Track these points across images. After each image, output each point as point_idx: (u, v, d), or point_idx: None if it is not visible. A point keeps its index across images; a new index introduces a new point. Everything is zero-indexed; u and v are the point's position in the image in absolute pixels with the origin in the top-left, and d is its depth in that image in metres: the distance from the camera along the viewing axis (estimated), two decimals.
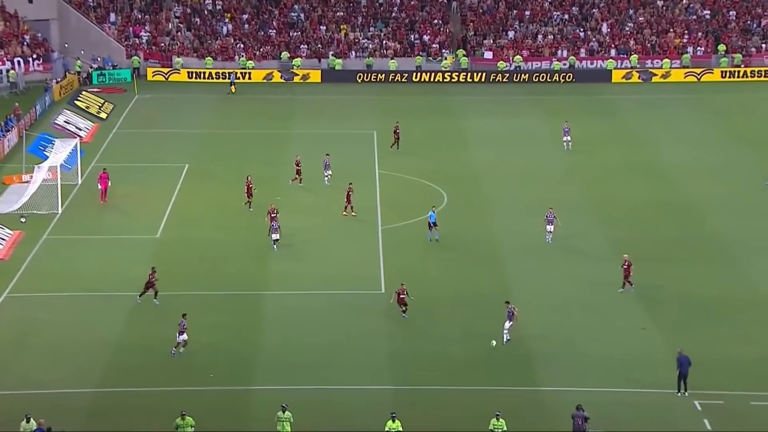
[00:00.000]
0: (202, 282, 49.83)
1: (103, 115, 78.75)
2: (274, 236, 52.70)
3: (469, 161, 68.28)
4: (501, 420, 36.36)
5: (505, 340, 43.18)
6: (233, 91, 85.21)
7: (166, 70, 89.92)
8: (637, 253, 52.39)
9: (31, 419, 36.00)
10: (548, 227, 53.78)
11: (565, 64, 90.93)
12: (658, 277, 50.48)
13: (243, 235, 55.47)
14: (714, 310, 47.27)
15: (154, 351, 43.28)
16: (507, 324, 43.28)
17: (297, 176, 62.08)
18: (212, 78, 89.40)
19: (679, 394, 39.63)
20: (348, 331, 44.65)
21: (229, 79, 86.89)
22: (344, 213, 57.23)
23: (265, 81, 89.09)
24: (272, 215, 53.43)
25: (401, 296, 45.83)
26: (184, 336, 42.30)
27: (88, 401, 39.67)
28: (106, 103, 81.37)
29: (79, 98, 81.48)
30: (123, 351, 43.41)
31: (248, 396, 40.00)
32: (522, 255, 52.86)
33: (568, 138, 69.53)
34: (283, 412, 36.38)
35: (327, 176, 62.05)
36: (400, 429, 35.96)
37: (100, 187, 60.23)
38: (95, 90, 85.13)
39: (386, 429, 36.05)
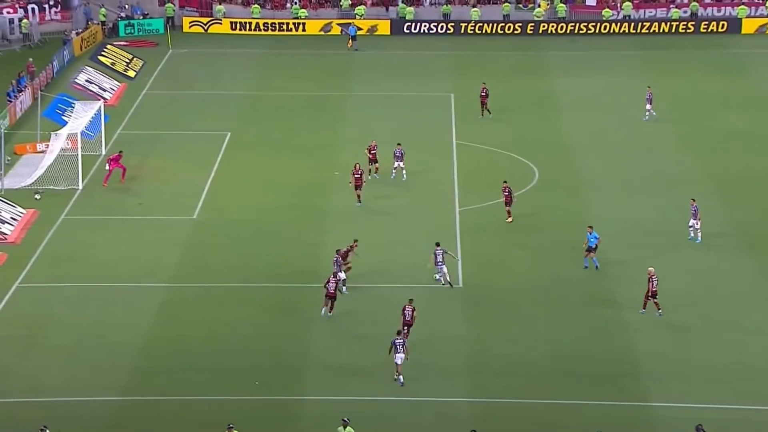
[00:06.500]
0: (249, 271, 50.19)
1: (131, 74, 79.62)
2: (341, 275, 48.12)
3: (563, 129, 68.01)
4: None
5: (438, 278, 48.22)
6: (350, 46, 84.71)
7: (205, 20, 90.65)
8: None
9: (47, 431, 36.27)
10: (692, 222, 52.34)
11: (685, 12, 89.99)
12: None
13: (297, 215, 55.89)
14: None
15: (186, 352, 43.71)
16: (438, 269, 48.00)
17: (371, 164, 59.67)
18: (259, 29, 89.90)
19: None
20: (417, 332, 44.58)
21: (348, 32, 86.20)
22: (509, 219, 54.69)
23: (321, 33, 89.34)
24: (341, 260, 48.16)
25: None
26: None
27: (110, 410, 40.22)
28: (134, 58, 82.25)
29: (103, 53, 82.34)
30: (151, 352, 43.90)
31: (298, 407, 40.24)
32: (625, 243, 52.46)
33: (650, 107, 68.22)
34: (344, 427, 36.74)
35: (396, 169, 59.39)
36: None
37: (108, 168, 59.66)
38: (122, 43, 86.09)
39: None
